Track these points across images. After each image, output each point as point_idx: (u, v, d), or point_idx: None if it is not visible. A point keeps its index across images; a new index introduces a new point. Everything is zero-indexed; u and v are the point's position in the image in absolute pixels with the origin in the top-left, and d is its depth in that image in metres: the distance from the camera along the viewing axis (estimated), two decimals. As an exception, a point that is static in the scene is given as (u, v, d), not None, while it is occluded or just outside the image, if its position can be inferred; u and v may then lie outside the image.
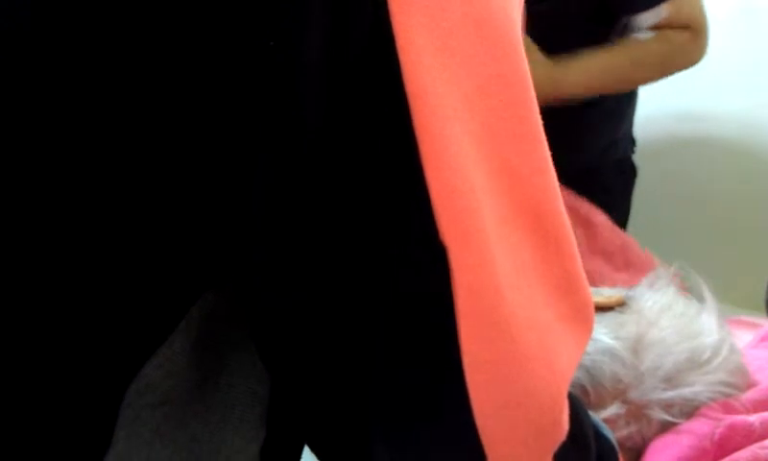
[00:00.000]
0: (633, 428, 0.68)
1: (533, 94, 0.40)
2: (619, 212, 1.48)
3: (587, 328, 0.44)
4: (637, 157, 1.51)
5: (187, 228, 0.38)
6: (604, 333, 0.70)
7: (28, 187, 0.36)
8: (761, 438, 0.63)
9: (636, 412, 0.68)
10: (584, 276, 0.43)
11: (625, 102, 1.42)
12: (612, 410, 0.67)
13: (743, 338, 0.79)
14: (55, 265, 0.37)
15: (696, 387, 0.67)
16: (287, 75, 0.35)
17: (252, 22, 0.35)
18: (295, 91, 0.36)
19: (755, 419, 0.65)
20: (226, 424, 0.45)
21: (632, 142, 1.50)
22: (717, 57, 1.33)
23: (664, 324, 0.70)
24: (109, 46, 0.35)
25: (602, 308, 0.72)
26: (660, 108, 1.90)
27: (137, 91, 0.36)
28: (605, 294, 0.75)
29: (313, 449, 0.45)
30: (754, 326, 0.85)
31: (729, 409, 0.67)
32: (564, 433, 0.43)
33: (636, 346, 0.69)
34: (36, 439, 0.39)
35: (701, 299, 0.75)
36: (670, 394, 0.67)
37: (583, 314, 0.44)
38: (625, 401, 0.68)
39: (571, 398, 0.45)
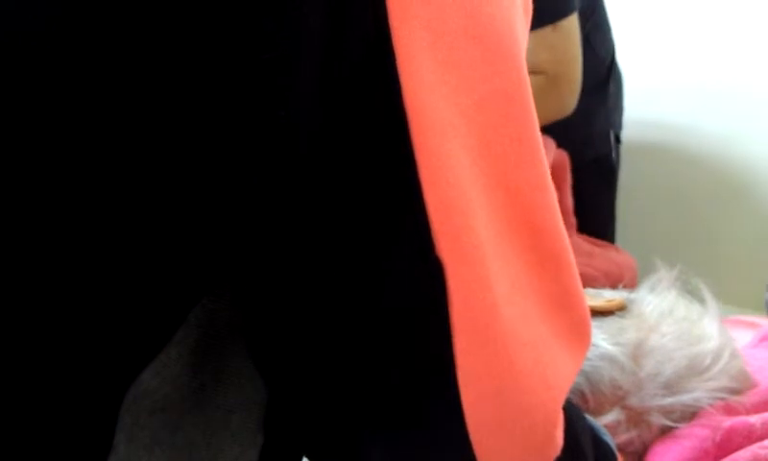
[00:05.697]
0: (633, 433, 0.67)
1: (533, 110, 0.40)
2: (599, 214, 1.47)
3: (583, 344, 0.44)
4: (636, 160, 1.51)
5: (184, 235, 0.38)
6: (603, 339, 0.69)
7: (26, 194, 0.36)
8: (762, 438, 0.63)
9: (636, 418, 0.68)
10: (582, 291, 0.44)
11: (597, 100, 1.40)
12: (612, 416, 0.67)
13: (743, 338, 0.79)
14: (52, 272, 0.37)
15: (696, 393, 0.67)
16: (284, 87, 0.35)
17: (250, 33, 0.35)
18: (291, 103, 0.35)
19: (755, 419, 0.64)
20: (224, 430, 0.45)
21: (609, 140, 1.49)
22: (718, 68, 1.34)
23: (665, 329, 0.70)
24: (112, 52, 0.35)
25: (602, 312, 0.72)
26: (661, 112, 1.90)
27: (137, 100, 0.36)
28: (605, 297, 0.74)
29: (308, 456, 0.45)
30: (753, 326, 0.84)
31: (729, 411, 0.66)
32: (558, 448, 0.43)
33: (636, 352, 0.68)
34: (38, 444, 0.39)
35: (702, 301, 0.75)
36: (670, 400, 0.67)
37: (579, 330, 0.44)
38: (624, 407, 0.67)
39: (567, 409, 0.45)
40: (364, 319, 0.38)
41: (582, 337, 0.44)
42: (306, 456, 0.46)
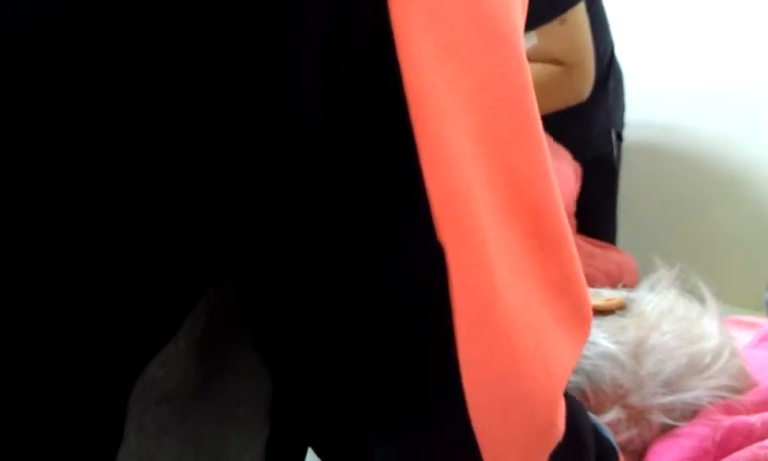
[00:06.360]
0: (633, 432, 0.67)
1: (532, 95, 0.40)
2: (600, 214, 1.47)
3: (584, 330, 0.44)
4: (637, 161, 1.51)
5: (189, 227, 0.38)
6: (604, 338, 0.69)
7: (32, 186, 0.36)
8: (762, 438, 0.63)
9: (637, 416, 0.68)
10: (582, 277, 0.44)
11: (597, 98, 1.41)
12: (613, 415, 0.67)
13: (743, 338, 0.79)
14: (59, 265, 0.37)
15: (697, 392, 0.67)
16: (284, 87, 0.35)
17: (251, 32, 0.35)
18: (292, 103, 0.36)
19: (755, 419, 0.64)
20: (230, 421, 0.45)
21: (610, 140, 1.49)
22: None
23: (665, 328, 0.70)
24: (112, 52, 0.36)
25: (602, 311, 0.72)
26: (661, 114, 1.90)
27: (139, 99, 0.36)
28: (605, 296, 0.75)
29: (313, 447, 0.46)
30: (753, 326, 0.84)
31: (729, 410, 0.66)
32: (559, 434, 0.43)
33: (637, 350, 0.68)
34: (48, 437, 0.39)
35: (702, 300, 0.75)
36: (670, 398, 0.67)
37: (580, 315, 0.44)
38: (625, 406, 0.68)
39: (569, 399, 0.45)
40: (366, 306, 0.38)
41: (582, 323, 0.44)
42: (311, 446, 0.46)
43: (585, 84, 1.32)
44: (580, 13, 1.30)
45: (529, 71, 0.40)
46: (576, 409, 0.46)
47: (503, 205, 0.39)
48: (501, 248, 0.39)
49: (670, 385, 0.67)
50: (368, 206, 0.37)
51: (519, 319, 0.39)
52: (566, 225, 0.42)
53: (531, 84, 0.40)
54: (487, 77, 0.38)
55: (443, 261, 0.37)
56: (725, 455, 0.63)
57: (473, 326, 0.38)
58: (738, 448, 0.63)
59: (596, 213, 1.47)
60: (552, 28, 1.27)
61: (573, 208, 1.38)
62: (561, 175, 1.33)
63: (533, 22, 1.24)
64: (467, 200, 0.37)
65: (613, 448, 0.53)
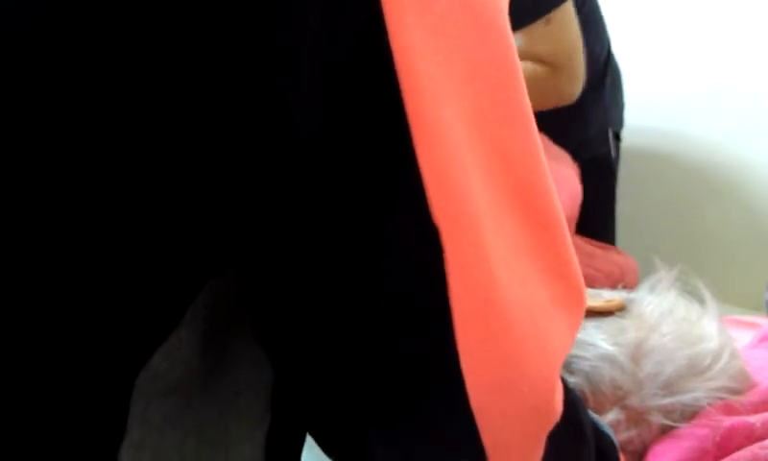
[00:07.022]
0: (633, 433, 0.68)
1: (522, 77, 0.40)
2: (598, 214, 1.46)
3: (579, 313, 0.44)
4: (637, 165, 1.51)
5: (190, 220, 0.38)
6: (603, 339, 0.69)
7: (34, 183, 0.37)
8: (762, 438, 0.63)
9: (636, 417, 0.68)
10: (575, 259, 0.44)
11: (593, 98, 1.40)
12: (612, 416, 0.67)
13: (743, 338, 0.79)
14: (61, 260, 0.37)
15: (696, 393, 0.67)
16: (284, 87, 0.36)
17: (250, 24, 0.35)
18: (292, 91, 0.36)
19: (755, 419, 0.65)
20: (231, 411, 0.45)
21: (607, 140, 1.48)
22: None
23: (665, 329, 0.70)
24: (112, 53, 0.36)
25: (602, 313, 0.72)
26: (661, 118, 1.91)
27: (138, 100, 0.36)
28: (605, 297, 0.75)
29: (317, 441, 0.46)
30: (753, 326, 0.85)
31: (729, 411, 0.67)
32: (557, 414, 0.43)
33: (636, 352, 0.68)
34: (52, 431, 0.39)
35: (702, 302, 0.75)
36: (670, 400, 0.67)
37: (575, 297, 0.44)
38: (624, 407, 0.68)
39: (567, 388, 0.45)
40: (362, 288, 0.38)
41: (577, 305, 0.44)
42: (315, 441, 0.46)
43: (573, 87, 1.30)
44: (566, 13, 1.28)
45: (516, 53, 0.40)
46: (575, 398, 0.46)
47: (497, 187, 0.39)
48: (497, 230, 0.39)
49: (670, 387, 0.67)
50: (364, 190, 0.37)
51: (516, 301, 0.39)
52: (559, 208, 0.42)
53: (520, 66, 0.40)
54: (477, 61, 0.38)
55: (438, 244, 0.37)
56: (725, 456, 0.63)
57: (470, 306, 0.38)
58: (738, 448, 0.63)
59: (595, 214, 1.47)
60: (537, 28, 1.26)
61: (578, 211, 1.37)
62: (564, 178, 1.32)
63: (517, 23, 1.22)
64: (461, 183, 0.37)
65: (613, 444, 0.53)
